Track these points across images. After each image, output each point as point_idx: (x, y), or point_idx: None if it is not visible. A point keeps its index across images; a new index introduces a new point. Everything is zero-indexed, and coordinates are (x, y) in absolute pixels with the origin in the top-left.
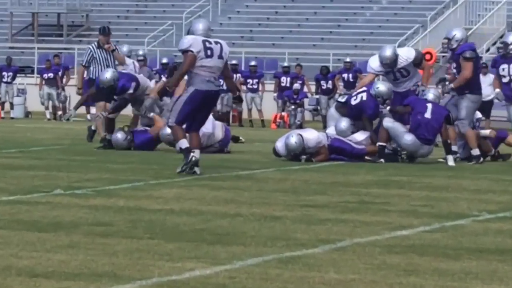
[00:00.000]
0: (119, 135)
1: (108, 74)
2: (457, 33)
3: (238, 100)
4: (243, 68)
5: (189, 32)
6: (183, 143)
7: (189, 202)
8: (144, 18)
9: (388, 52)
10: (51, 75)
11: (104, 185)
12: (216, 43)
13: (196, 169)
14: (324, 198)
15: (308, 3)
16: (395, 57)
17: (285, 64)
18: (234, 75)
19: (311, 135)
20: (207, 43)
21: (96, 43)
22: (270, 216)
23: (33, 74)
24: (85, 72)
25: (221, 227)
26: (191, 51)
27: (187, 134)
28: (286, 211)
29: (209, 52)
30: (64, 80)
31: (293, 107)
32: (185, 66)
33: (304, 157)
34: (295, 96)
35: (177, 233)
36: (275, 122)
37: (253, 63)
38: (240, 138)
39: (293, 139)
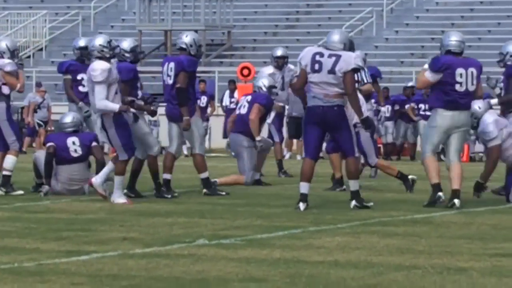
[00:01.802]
0: None
1: None
2: None
3: (364, 125)
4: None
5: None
6: (303, 188)
7: (356, 252)
8: (296, 34)
9: None
10: None
11: (255, 233)
12: (332, 56)
13: (301, 205)
14: None
15: (489, 13)
16: None
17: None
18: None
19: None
20: (317, 56)
21: None
22: (453, 267)
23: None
24: None
25: (395, 282)
26: (301, 64)
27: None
28: (472, 261)
29: (316, 66)
30: (208, 110)
31: None
32: (297, 81)
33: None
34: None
35: None
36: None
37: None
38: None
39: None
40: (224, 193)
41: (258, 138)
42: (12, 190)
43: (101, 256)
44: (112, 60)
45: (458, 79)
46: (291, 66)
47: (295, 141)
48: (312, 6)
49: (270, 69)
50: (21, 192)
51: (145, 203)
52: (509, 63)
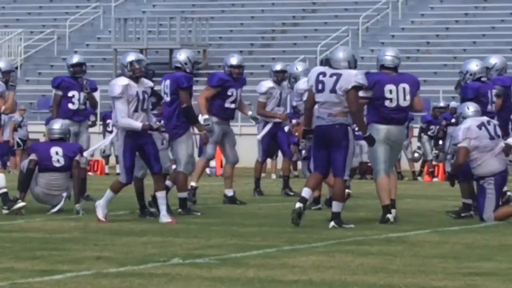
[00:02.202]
0: None
1: None
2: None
3: (368, 142)
4: None
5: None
6: (304, 192)
7: (331, 272)
8: (271, 53)
9: None
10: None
11: (230, 253)
12: (333, 75)
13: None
14: (492, 265)
15: (465, 32)
16: None
17: (441, 104)
18: None
19: None
20: (320, 76)
21: None
22: (428, 287)
23: None
24: None
25: None
26: (308, 84)
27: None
28: (446, 280)
29: (320, 86)
30: None
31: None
32: (306, 101)
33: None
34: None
35: None
36: (428, 173)
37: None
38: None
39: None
40: (199, 213)
41: (205, 117)
42: (14, 204)
43: (75, 276)
44: (145, 80)
45: (387, 95)
46: (286, 83)
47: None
48: (288, 25)
49: (269, 83)
50: (23, 204)
51: (119, 222)
52: (468, 81)
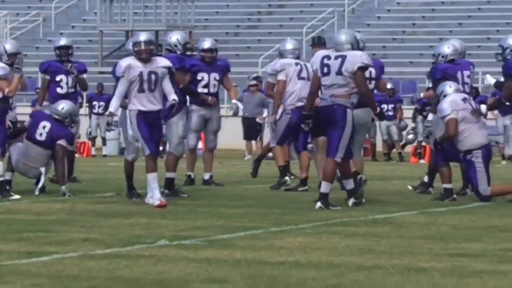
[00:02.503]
0: None
1: None
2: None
3: (378, 117)
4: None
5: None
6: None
7: (317, 253)
8: (257, 35)
9: None
10: None
11: (216, 234)
12: (338, 57)
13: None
14: (478, 246)
15: (451, 13)
16: None
17: (431, 85)
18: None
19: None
20: (325, 59)
21: None
22: (414, 267)
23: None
24: None
25: (356, 282)
26: (313, 68)
27: None
28: (433, 261)
29: (325, 70)
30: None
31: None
32: (311, 86)
33: None
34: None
35: None
36: (415, 154)
37: (388, 85)
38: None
39: None
40: (185, 195)
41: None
42: (9, 195)
43: (62, 257)
44: (158, 59)
45: None
46: None
47: (253, 142)
48: (274, 6)
49: None
50: (17, 196)
51: (106, 204)
52: (440, 63)
